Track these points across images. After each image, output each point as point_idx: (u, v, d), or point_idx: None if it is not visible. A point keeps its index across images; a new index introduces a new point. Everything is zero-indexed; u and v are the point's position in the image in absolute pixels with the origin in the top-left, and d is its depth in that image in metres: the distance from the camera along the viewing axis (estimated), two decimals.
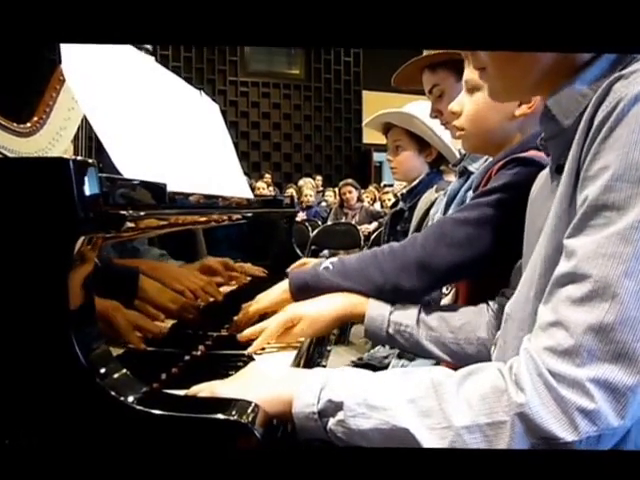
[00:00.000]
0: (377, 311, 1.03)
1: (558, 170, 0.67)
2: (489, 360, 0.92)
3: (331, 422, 0.63)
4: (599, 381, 0.52)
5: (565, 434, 0.53)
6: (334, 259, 1.11)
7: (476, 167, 1.48)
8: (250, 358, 0.96)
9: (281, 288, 1.11)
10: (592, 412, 0.52)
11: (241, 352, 0.99)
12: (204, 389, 0.71)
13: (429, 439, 0.58)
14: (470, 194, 1.47)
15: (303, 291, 1.09)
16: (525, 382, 0.56)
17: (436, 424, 0.58)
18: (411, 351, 1.10)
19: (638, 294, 0.52)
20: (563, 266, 0.58)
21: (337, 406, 0.63)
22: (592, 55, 0.65)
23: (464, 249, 1.03)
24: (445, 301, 1.24)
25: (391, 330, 1.02)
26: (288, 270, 1.27)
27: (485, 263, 1.04)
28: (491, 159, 1.32)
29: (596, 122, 0.57)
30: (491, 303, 1.05)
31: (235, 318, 1.14)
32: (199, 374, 0.80)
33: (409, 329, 1.02)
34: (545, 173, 0.80)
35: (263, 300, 1.14)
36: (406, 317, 1.02)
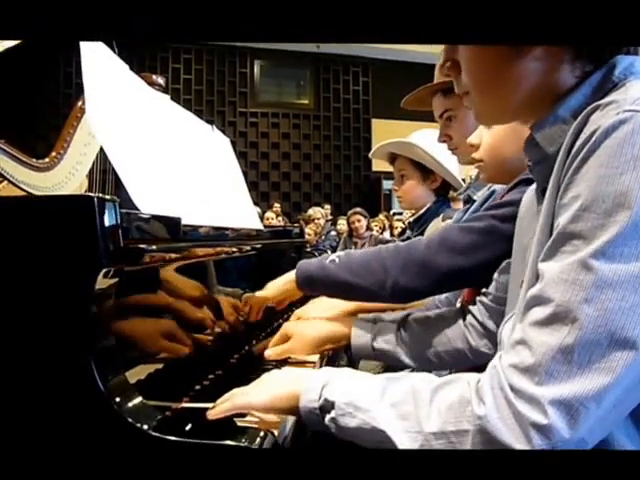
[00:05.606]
0: (361, 340, 1.13)
1: (544, 193, 0.70)
2: (468, 368, 1.04)
3: (327, 418, 0.70)
4: (554, 399, 0.56)
5: (519, 446, 0.57)
6: (340, 253, 1.14)
7: (479, 195, 1.51)
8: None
9: (287, 278, 1.17)
10: (545, 427, 0.56)
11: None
12: (227, 398, 0.77)
13: (403, 441, 0.63)
14: None
15: (308, 282, 1.14)
16: (487, 395, 0.60)
17: (410, 428, 0.63)
18: (395, 364, 1.18)
19: (596, 320, 0.55)
20: (534, 288, 0.62)
21: (331, 405, 0.69)
22: (575, 81, 0.68)
23: (465, 256, 1.06)
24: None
25: (375, 354, 1.14)
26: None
27: (486, 273, 1.06)
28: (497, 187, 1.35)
29: (573, 152, 0.61)
30: (471, 308, 1.09)
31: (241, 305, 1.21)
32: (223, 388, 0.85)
33: (391, 352, 1.12)
34: (532, 191, 0.82)
35: (269, 288, 1.20)
36: (386, 343, 1.12)
